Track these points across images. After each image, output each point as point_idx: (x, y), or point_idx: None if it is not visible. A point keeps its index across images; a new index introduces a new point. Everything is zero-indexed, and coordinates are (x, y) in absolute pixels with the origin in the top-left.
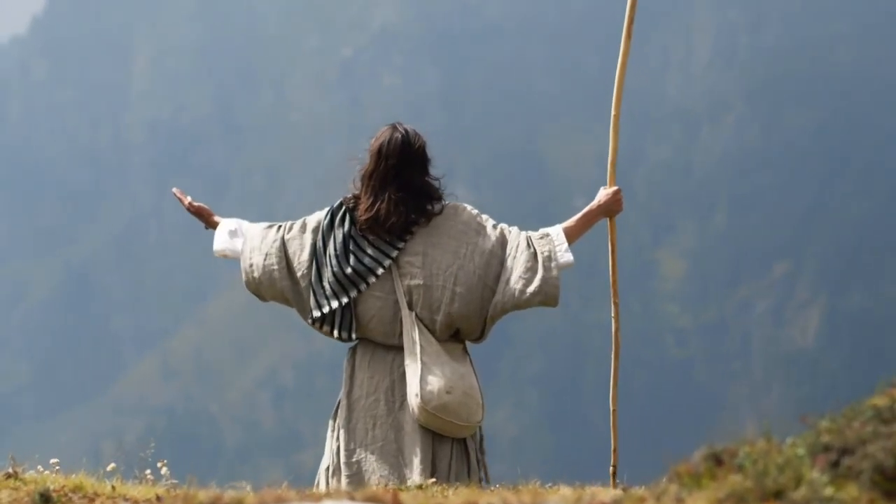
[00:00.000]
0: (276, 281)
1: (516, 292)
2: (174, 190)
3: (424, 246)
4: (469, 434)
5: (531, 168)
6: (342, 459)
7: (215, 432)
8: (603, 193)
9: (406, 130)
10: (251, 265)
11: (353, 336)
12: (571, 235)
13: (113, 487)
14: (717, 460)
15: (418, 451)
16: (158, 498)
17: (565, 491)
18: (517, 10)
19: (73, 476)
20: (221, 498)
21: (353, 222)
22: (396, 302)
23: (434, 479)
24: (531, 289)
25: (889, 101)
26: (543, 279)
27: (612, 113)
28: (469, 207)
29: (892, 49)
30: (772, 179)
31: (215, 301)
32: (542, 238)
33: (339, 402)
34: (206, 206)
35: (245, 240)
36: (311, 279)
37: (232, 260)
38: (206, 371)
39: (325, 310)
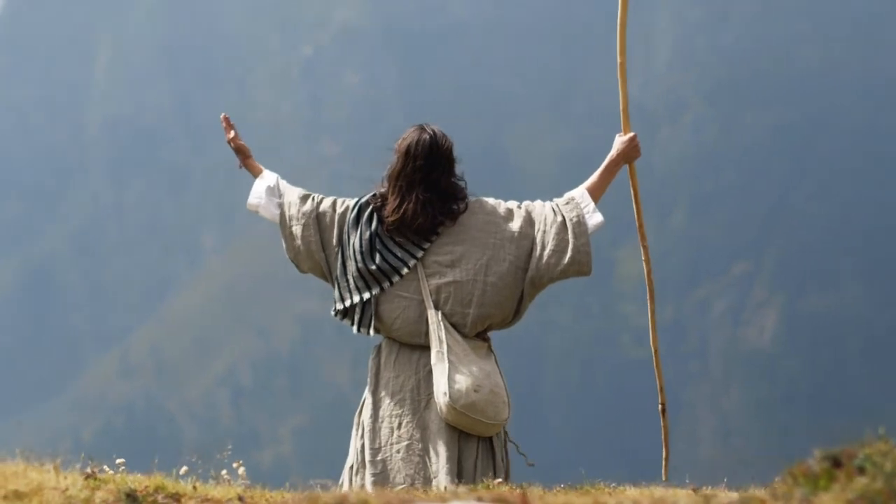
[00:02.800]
0: (314, 253)
1: (550, 266)
2: (224, 115)
3: (452, 244)
4: (495, 433)
5: (494, 167)
6: (367, 458)
7: (174, 430)
8: (619, 141)
9: (434, 132)
10: (291, 233)
11: (372, 332)
12: (596, 192)
13: (194, 487)
14: (835, 462)
15: (444, 450)
16: (240, 498)
17: (682, 492)
18: (480, 10)
19: (152, 476)
20: (346, 498)
21: (380, 221)
22: (422, 302)
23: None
24: (565, 260)
25: (849, 103)
26: (575, 248)
27: (619, 61)
28: (491, 199)
29: (852, 50)
30: (731, 180)
31: (175, 299)
32: (567, 203)
33: (363, 401)
34: (246, 147)
35: (285, 204)
36: (336, 270)
37: (260, 216)
38: (164, 369)
39: (347, 303)
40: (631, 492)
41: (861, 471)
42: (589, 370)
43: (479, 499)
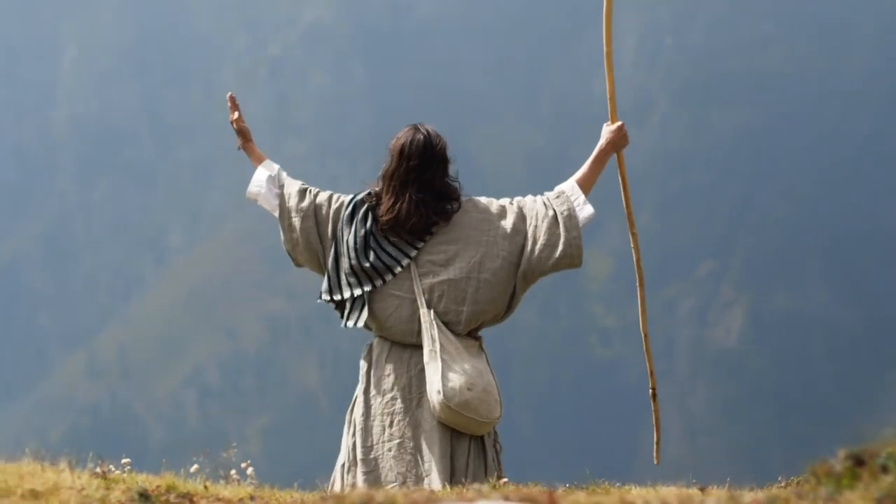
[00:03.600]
0: (313, 244)
1: (542, 260)
2: (230, 95)
3: (446, 243)
4: (486, 431)
5: (461, 167)
6: (359, 456)
7: (140, 431)
8: (607, 130)
9: (428, 132)
10: (290, 225)
11: (360, 324)
12: (586, 184)
13: (206, 487)
14: (857, 461)
15: (437, 448)
16: (252, 498)
17: (718, 492)
18: (447, 10)
19: (163, 476)
20: (373, 497)
21: (374, 220)
22: (414, 301)
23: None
24: (556, 254)
25: (816, 103)
26: (566, 241)
27: (605, 50)
28: (483, 198)
29: (819, 50)
30: (698, 180)
31: (141, 300)
32: (558, 197)
33: (354, 398)
34: (248, 130)
35: (284, 195)
36: (328, 264)
37: (257, 205)
38: (131, 370)
39: (337, 297)
40: (637, 491)
41: (885, 469)
42: (556, 370)
43: (506, 498)
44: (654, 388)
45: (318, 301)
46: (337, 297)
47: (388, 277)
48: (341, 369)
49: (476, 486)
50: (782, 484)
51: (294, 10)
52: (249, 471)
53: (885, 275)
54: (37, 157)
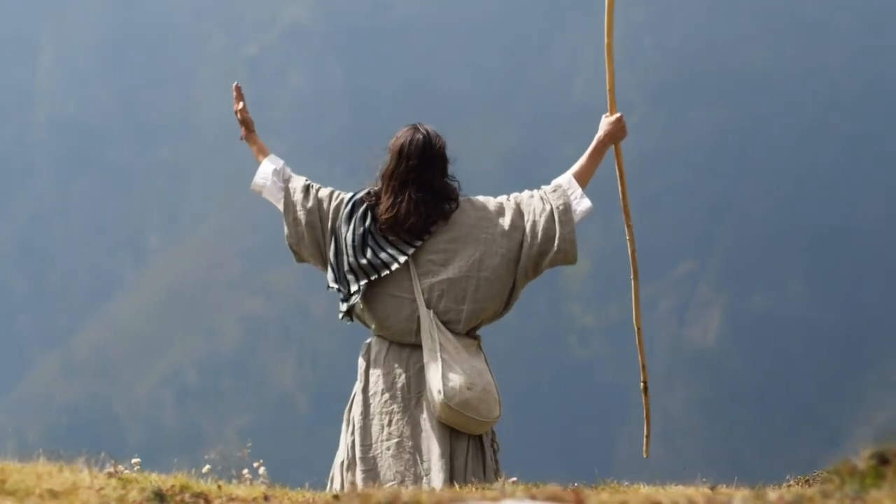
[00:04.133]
0: (318, 238)
1: (540, 256)
2: (236, 84)
3: (446, 242)
4: (485, 430)
5: None
6: (358, 455)
7: (118, 431)
8: (606, 122)
9: (427, 131)
10: (296, 218)
11: (353, 319)
12: (584, 177)
13: (219, 487)
14: (882, 459)
15: (436, 447)
16: (266, 497)
17: (744, 491)
18: (426, 9)
19: (175, 476)
20: (399, 496)
21: (373, 219)
22: (414, 301)
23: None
24: (552, 250)
25: (794, 102)
26: (560, 237)
27: (605, 42)
28: (480, 196)
29: (797, 49)
30: (676, 180)
31: (119, 300)
32: (554, 191)
33: (353, 397)
34: (252, 121)
35: (290, 189)
36: (330, 256)
37: (262, 197)
38: (109, 369)
39: (337, 287)
40: (646, 490)
41: None
42: (534, 370)
43: (533, 497)
44: (645, 382)
45: (328, 290)
46: (337, 287)
47: (385, 272)
48: (319, 370)
49: (498, 485)
50: (790, 483)
51: (272, 10)
52: (261, 470)
53: (864, 275)
54: (14, 158)
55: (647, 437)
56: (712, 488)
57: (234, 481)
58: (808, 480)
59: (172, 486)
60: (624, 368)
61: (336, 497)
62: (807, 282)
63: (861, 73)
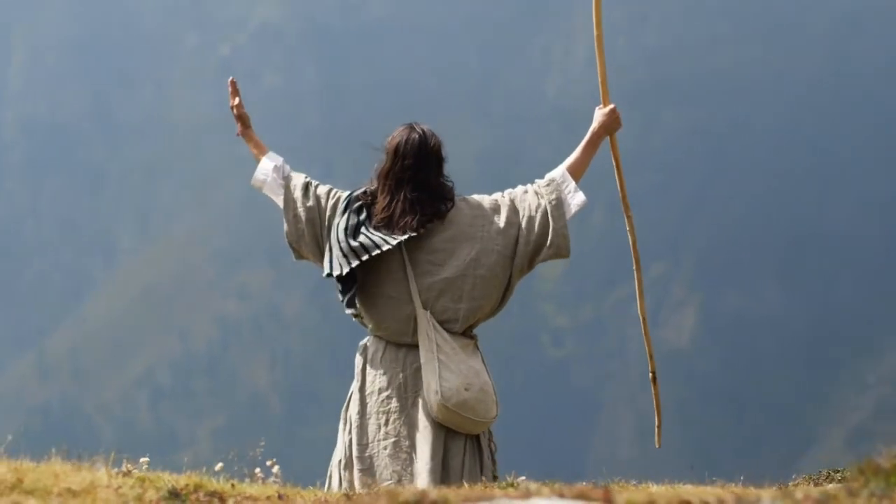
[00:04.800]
0: (317, 235)
1: (534, 251)
2: (231, 79)
3: (443, 242)
4: (482, 430)
5: None
6: (355, 454)
7: (91, 432)
8: (600, 114)
9: (423, 131)
10: (296, 215)
11: (355, 310)
12: (578, 170)
13: (233, 485)
14: None
15: (431, 447)
16: (280, 496)
17: (771, 490)
18: (398, 9)
19: (188, 475)
20: (427, 495)
21: (368, 217)
22: (411, 301)
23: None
24: (545, 244)
25: (767, 103)
26: (554, 231)
27: (595, 33)
28: (475, 195)
29: (769, 50)
30: (649, 180)
31: (92, 301)
32: (548, 185)
33: (349, 396)
34: (248, 116)
35: (289, 186)
36: (325, 246)
37: (262, 193)
38: (82, 370)
39: (337, 272)
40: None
41: None
42: (508, 370)
43: (561, 495)
44: (653, 371)
45: (324, 277)
46: (337, 272)
47: (375, 252)
48: (292, 370)
49: (524, 483)
50: (797, 482)
51: (244, 10)
52: (275, 469)
53: (835, 275)
54: None
55: (659, 427)
56: (722, 487)
57: (247, 480)
58: (813, 479)
59: (186, 485)
60: (598, 368)
61: (347, 497)
62: (780, 283)
63: (833, 74)
